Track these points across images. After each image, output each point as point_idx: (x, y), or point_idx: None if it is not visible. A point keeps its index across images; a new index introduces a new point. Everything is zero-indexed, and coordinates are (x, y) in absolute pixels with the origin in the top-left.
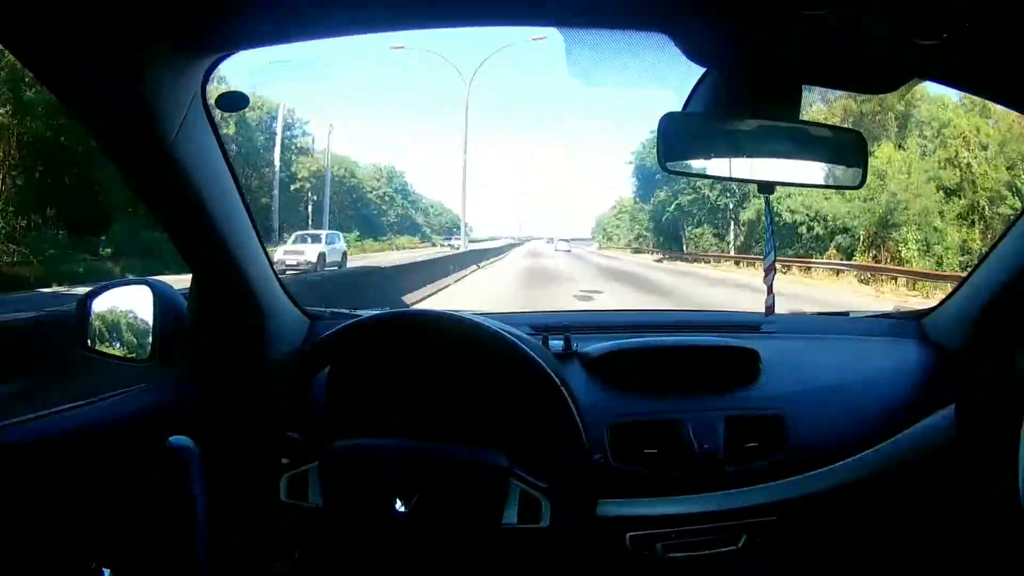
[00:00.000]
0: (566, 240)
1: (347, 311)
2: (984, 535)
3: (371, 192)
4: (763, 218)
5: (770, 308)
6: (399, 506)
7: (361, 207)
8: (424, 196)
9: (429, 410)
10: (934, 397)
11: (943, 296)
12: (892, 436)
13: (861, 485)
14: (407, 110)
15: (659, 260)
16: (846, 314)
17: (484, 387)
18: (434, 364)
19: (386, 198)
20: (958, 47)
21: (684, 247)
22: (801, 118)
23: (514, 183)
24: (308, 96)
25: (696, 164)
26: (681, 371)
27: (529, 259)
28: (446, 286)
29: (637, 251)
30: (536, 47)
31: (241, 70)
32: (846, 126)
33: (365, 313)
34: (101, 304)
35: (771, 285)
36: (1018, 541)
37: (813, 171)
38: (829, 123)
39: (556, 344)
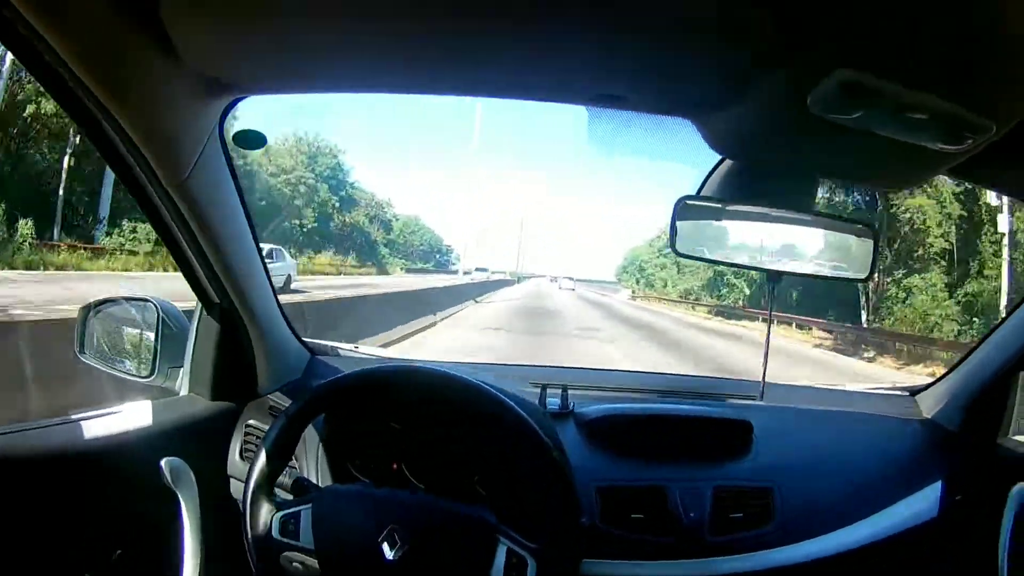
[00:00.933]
0: (571, 279)
1: (349, 347)
2: None
3: (279, 176)
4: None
5: (762, 393)
6: (388, 553)
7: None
8: (391, 206)
9: (427, 460)
10: (922, 472)
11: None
12: (879, 510)
13: (844, 558)
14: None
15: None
16: (842, 387)
17: (478, 445)
18: (429, 419)
19: (301, 189)
20: (980, 149)
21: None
22: (814, 209)
23: (516, 209)
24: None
25: (708, 249)
26: (674, 439)
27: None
28: None
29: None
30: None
31: (258, 111)
32: (858, 218)
33: (365, 350)
34: (104, 315)
35: (764, 371)
36: None
37: (822, 262)
38: (842, 215)
39: (553, 402)
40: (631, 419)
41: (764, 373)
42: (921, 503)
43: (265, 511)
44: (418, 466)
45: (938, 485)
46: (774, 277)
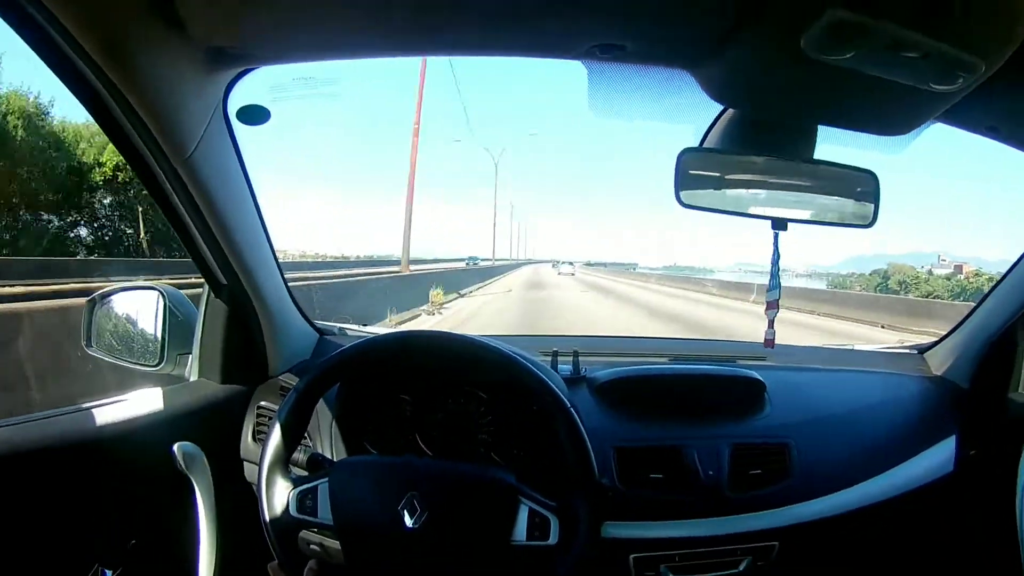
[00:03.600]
0: (571, 263)
1: (356, 327)
2: (981, 563)
3: None
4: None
5: (769, 342)
6: (408, 521)
7: None
8: None
9: (439, 430)
10: (935, 428)
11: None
12: (894, 466)
13: (862, 513)
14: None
15: None
16: (850, 347)
17: (491, 410)
18: (445, 385)
19: None
20: (974, 91)
21: None
22: (817, 155)
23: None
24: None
25: (711, 199)
26: (687, 399)
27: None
28: None
29: None
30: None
31: (261, 84)
32: (860, 165)
33: (373, 330)
34: (110, 306)
35: (772, 320)
36: (1013, 570)
37: (826, 209)
38: (844, 162)
39: (565, 368)
40: (644, 380)
41: (768, 336)
42: (936, 458)
43: (281, 488)
44: (432, 437)
45: (952, 440)
46: (779, 225)
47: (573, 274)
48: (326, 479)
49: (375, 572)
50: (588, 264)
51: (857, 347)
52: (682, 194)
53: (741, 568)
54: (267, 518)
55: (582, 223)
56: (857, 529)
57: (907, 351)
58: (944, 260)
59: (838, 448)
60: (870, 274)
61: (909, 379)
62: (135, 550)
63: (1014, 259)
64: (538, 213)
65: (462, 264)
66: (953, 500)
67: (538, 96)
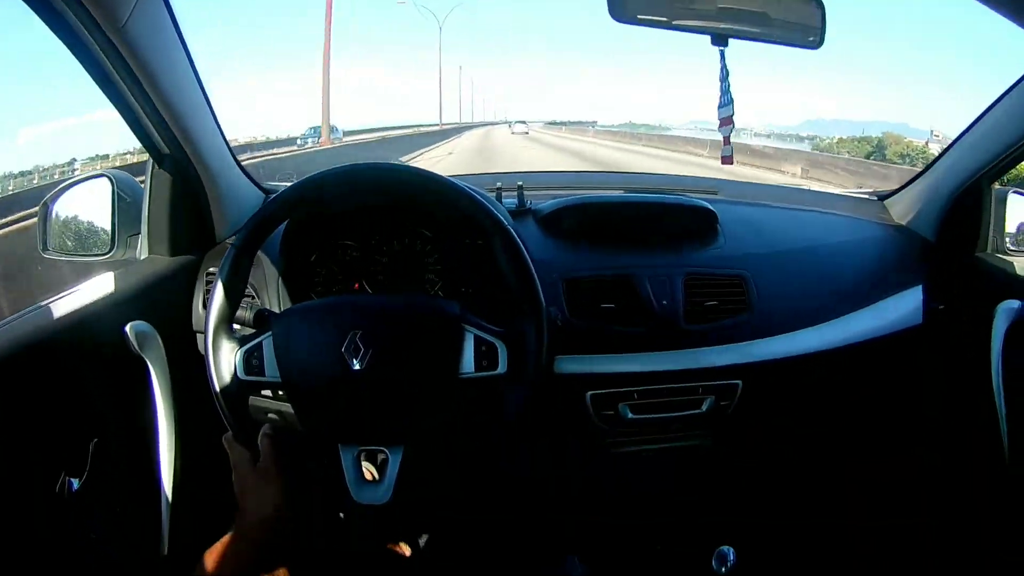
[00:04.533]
0: (523, 123)
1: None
2: (948, 416)
3: None
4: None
5: (727, 158)
6: (355, 363)
7: None
8: None
9: (385, 272)
10: (899, 277)
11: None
12: (858, 309)
13: (828, 356)
14: None
15: None
16: (806, 188)
17: (440, 245)
18: (389, 226)
19: None
20: None
21: None
22: None
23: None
24: None
25: (649, 13)
26: (637, 228)
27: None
28: None
29: None
30: None
31: None
32: None
33: None
34: (62, 205)
35: (727, 136)
36: (989, 425)
37: (771, 27)
38: None
39: (509, 202)
40: (591, 208)
41: (725, 153)
42: (902, 307)
43: (227, 350)
44: (378, 280)
45: (918, 291)
46: (720, 42)
47: (527, 132)
48: (269, 333)
49: (328, 424)
50: (551, 123)
51: (813, 188)
52: (615, 8)
53: (704, 408)
54: (216, 386)
55: (542, 82)
56: (823, 372)
57: (867, 196)
58: (938, 135)
59: (798, 285)
60: (859, 140)
61: (871, 224)
62: (97, 449)
63: None
64: (495, 73)
65: (399, 132)
66: (921, 353)
67: None
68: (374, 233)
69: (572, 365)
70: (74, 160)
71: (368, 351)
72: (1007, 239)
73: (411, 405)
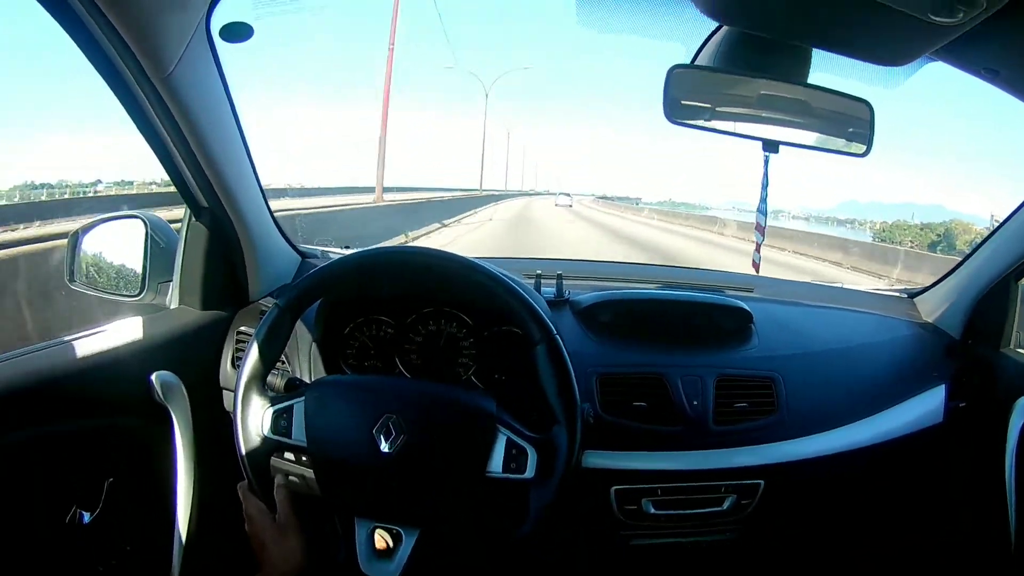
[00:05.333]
0: (568, 195)
1: (338, 250)
2: (964, 517)
3: None
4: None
5: (756, 265)
6: (383, 445)
7: None
8: None
9: (419, 353)
10: (924, 375)
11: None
12: (882, 410)
13: (849, 456)
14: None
15: None
16: (840, 285)
17: (477, 331)
18: (426, 307)
19: None
20: (974, 29)
21: None
22: (810, 81)
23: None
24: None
25: (701, 118)
26: (673, 326)
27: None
28: None
29: None
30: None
31: (247, 1)
32: (855, 94)
33: (355, 251)
34: (93, 239)
35: (759, 244)
36: (999, 518)
37: (819, 135)
38: (839, 89)
39: (548, 291)
40: (628, 304)
41: (755, 260)
42: (925, 407)
43: (256, 406)
44: (411, 360)
45: (941, 390)
46: (770, 147)
47: (570, 205)
48: (301, 398)
49: (348, 497)
50: (601, 198)
51: (846, 286)
52: (671, 112)
53: (725, 506)
54: (240, 437)
55: (587, 158)
56: (843, 472)
57: (897, 294)
58: (996, 220)
59: (826, 386)
60: (921, 228)
61: (899, 322)
62: (112, 488)
63: None
64: (543, 148)
65: (448, 195)
66: (941, 451)
67: (529, 27)
68: (411, 312)
69: (599, 460)
70: (99, 181)
71: (400, 436)
72: None
73: (434, 494)
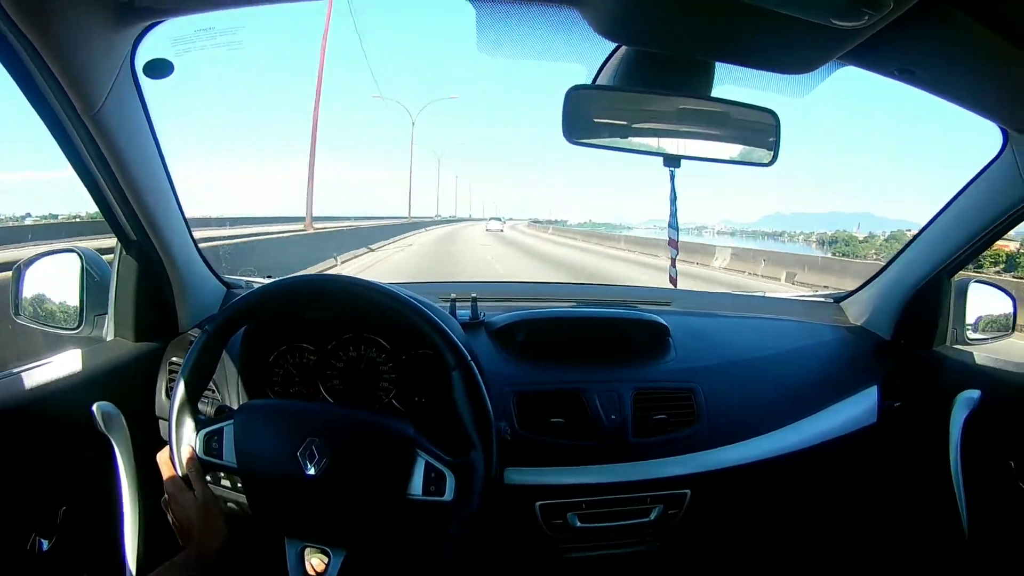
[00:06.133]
0: (499, 219)
1: (262, 279)
2: (904, 514)
3: None
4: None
5: (673, 280)
6: (308, 468)
7: None
8: None
9: (341, 378)
10: (854, 378)
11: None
12: (810, 415)
13: (779, 461)
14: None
15: None
16: (761, 294)
17: (395, 356)
18: (346, 333)
19: None
20: (877, 31)
21: None
22: (713, 95)
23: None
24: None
25: (601, 136)
26: (588, 343)
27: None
28: None
29: None
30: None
31: (165, 39)
32: (759, 104)
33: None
34: (34, 272)
35: (674, 259)
36: (947, 510)
37: (724, 147)
38: (742, 101)
39: (463, 313)
40: (542, 323)
41: (672, 275)
42: (857, 409)
43: (188, 429)
44: (334, 386)
45: (873, 391)
46: (671, 162)
47: (501, 231)
48: (231, 422)
49: (277, 517)
50: (535, 221)
51: (768, 295)
52: (570, 132)
53: (653, 516)
54: (176, 460)
55: (520, 184)
56: (774, 478)
57: (822, 299)
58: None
59: (748, 395)
60: (863, 239)
61: (825, 328)
62: (67, 516)
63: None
64: (477, 175)
65: (372, 223)
66: (876, 451)
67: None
68: (331, 338)
69: (521, 476)
70: (28, 214)
71: (323, 459)
72: (967, 329)
73: (358, 515)
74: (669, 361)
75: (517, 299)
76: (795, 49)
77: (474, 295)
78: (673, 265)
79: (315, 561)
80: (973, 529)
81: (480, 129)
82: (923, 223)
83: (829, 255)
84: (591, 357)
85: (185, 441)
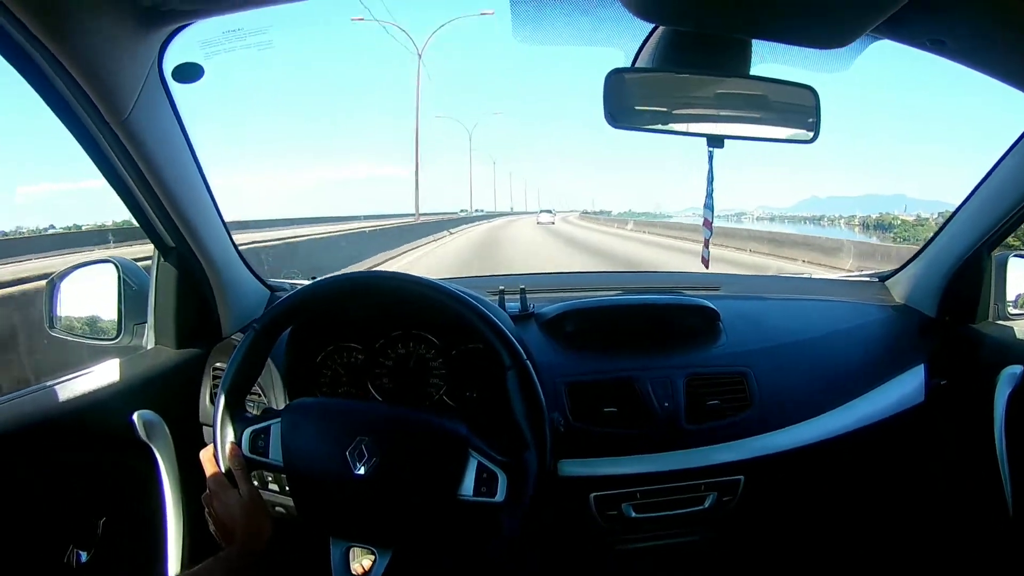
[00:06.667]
0: (550, 212)
1: (306, 280)
2: (954, 493)
3: None
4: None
5: (705, 261)
6: (357, 468)
7: None
8: None
9: (390, 376)
10: (901, 357)
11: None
12: (860, 395)
13: (831, 444)
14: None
15: None
16: (808, 275)
17: (446, 351)
18: (395, 331)
19: None
20: (914, 1)
21: None
22: (754, 72)
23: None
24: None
25: (643, 119)
26: (638, 330)
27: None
28: None
29: None
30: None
31: (193, 42)
32: (799, 81)
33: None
34: (69, 285)
35: (708, 240)
36: (994, 489)
37: (765, 126)
38: (784, 78)
39: (512, 306)
40: (592, 312)
41: (704, 256)
42: (905, 388)
43: (233, 428)
44: (384, 384)
45: (920, 369)
46: (714, 142)
47: (552, 223)
48: (278, 420)
49: (323, 517)
50: (585, 213)
51: (814, 276)
52: (612, 117)
53: (707, 504)
54: (220, 456)
55: (569, 177)
56: (826, 461)
57: (867, 279)
58: None
59: (799, 377)
60: (914, 222)
61: (871, 307)
62: (106, 527)
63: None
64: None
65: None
66: (924, 430)
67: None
68: (379, 337)
69: (575, 468)
70: (52, 226)
71: (372, 459)
72: (1008, 305)
73: (406, 515)
74: (720, 346)
75: (564, 289)
76: (830, 21)
77: (522, 287)
78: (706, 247)
79: (365, 562)
80: (1017, 505)
81: (523, 128)
82: (958, 203)
83: (887, 242)
84: (642, 344)
85: (230, 438)
